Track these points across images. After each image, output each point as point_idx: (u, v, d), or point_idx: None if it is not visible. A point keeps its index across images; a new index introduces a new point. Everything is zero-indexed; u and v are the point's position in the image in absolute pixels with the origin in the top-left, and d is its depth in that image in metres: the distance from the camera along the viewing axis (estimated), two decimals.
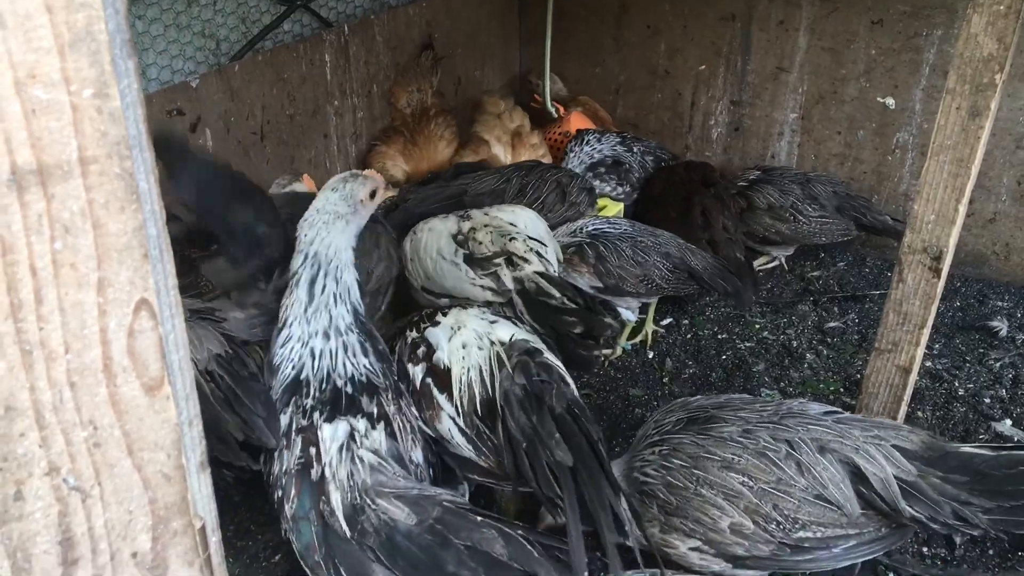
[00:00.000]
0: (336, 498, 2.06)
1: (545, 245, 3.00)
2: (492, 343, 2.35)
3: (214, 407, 2.17)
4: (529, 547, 1.95)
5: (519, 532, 1.98)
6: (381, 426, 2.22)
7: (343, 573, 2.00)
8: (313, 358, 2.27)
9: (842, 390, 3.34)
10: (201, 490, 1.15)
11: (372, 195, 2.46)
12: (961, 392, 3.30)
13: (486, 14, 4.72)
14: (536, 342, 2.41)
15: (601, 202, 3.84)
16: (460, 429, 2.28)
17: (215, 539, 1.20)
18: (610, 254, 3.32)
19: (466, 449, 2.28)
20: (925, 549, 2.65)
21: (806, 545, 2.19)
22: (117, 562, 1.05)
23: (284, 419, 2.21)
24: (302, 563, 2.07)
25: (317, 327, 2.29)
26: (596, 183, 4.05)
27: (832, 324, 3.74)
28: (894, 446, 2.20)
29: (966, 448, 2.19)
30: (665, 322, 3.78)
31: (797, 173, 4.01)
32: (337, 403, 2.22)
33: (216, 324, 2.43)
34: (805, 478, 2.16)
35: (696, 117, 4.52)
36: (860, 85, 4.01)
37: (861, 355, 3.53)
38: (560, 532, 2.16)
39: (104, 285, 0.93)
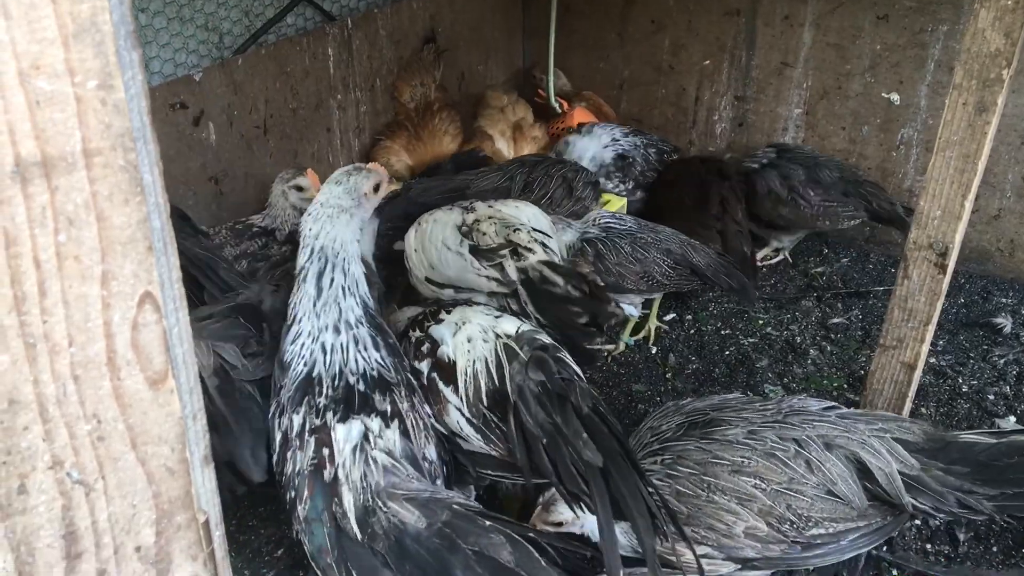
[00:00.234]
0: (349, 500, 2.04)
1: (550, 237, 2.99)
2: (498, 336, 2.34)
3: None
4: (537, 555, 1.93)
5: (529, 536, 1.97)
6: (395, 424, 2.20)
7: (355, 575, 1.98)
8: (324, 353, 2.26)
9: (846, 386, 3.33)
10: (205, 484, 1.14)
11: (376, 188, 2.46)
12: (965, 389, 3.29)
13: (489, 8, 4.71)
14: (545, 336, 2.40)
15: (604, 197, 3.83)
16: (467, 419, 2.27)
17: (219, 533, 1.19)
18: (609, 252, 3.31)
19: (475, 440, 2.27)
20: (929, 546, 2.65)
21: (818, 542, 2.18)
22: (121, 556, 1.05)
23: (297, 419, 2.18)
24: (313, 565, 2.06)
25: (327, 321, 2.28)
26: (601, 180, 4.05)
27: (836, 320, 3.73)
28: (897, 439, 2.19)
29: (966, 437, 2.18)
30: (668, 317, 3.78)
31: (808, 156, 3.97)
32: (350, 401, 2.20)
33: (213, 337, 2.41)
34: (816, 475, 2.15)
35: (700, 112, 4.51)
36: (865, 80, 4.00)
37: (865, 351, 3.52)
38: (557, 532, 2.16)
39: (108, 278, 0.92)
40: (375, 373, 2.28)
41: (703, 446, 2.23)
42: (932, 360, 3.44)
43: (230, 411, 2.23)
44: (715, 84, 4.41)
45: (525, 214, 3.01)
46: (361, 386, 2.24)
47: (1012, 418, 3.12)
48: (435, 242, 2.90)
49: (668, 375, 3.44)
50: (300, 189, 3.36)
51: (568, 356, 2.33)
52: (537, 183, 3.48)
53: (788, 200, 3.81)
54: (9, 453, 0.93)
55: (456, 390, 2.29)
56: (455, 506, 2.04)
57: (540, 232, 2.93)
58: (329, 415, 2.17)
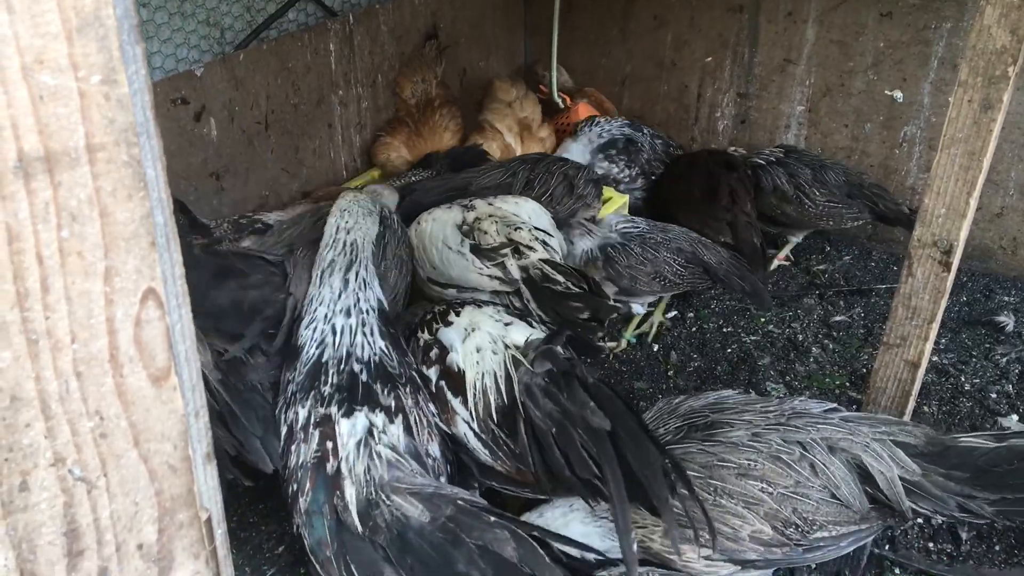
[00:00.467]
0: (351, 493, 2.04)
1: (551, 235, 2.98)
2: (507, 347, 2.33)
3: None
4: (541, 551, 1.93)
5: (533, 534, 1.96)
6: (399, 420, 2.21)
7: (354, 571, 1.98)
8: (334, 334, 2.31)
9: (848, 384, 3.33)
10: (207, 482, 1.14)
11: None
12: (967, 387, 3.29)
13: (491, 4, 4.70)
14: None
15: (606, 193, 3.82)
16: (475, 433, 2.27)
17: (221, 531, 1.19)
18: (618, 255, 3.31)
19: (482, 453, 2.26)
20: (931, 544, 2.64)
21: (821, 545, 2.18)
22: (123, 553, 1.04)
23: (303, 412, 2.19)
24: (312, 558, 2.05)
25: (344, 305, 2.34)
26: (605, 164, 4.06)
27: (838, 318, 3.72)
28: (898, 443, 2.19)
29: (966, 441, 2.17)
30: (670, 315, 3.77)
31: (814, 158, 3.97)
32: (354, 391, 2.22)
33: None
34: (820, 479, 2.14)
35: (702, 109, 4.50)
36: (868, 78, 3.98)
37: (867, 349, 3.52)
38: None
39: (111, 274, 0.92)
40: (378, 360, 2.30)
41: (707, 448, 2.21)
42: (934, 358, 3.43)
43: (236, 403, 2.23)
44: (717, 81, 4.40)
45: (525, 211, 3.01)
46: (364, 376, 2.26)
47: (1014, 416, 3.11)
48: (435, 242, 2.90)
49: (670, 373, 3.43)
50: None
51: (569, 349, 2.33)
52: (538, 180, 3.47)
53: (793, 198, 3.80)
54: (11, 450, 0.92)
55: (465, 403, 2.29)
56: (460, 501, 2.03)
57: (541, 230, 2.93)
58: (334, 408, 2.18)
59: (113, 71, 0.85)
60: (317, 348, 2.30)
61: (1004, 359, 3.43)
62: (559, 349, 2.22)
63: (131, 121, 0.88)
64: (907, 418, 2.27)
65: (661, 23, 4.44)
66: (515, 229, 2.85)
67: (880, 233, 4.16)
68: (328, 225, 2.44)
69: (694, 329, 3.67)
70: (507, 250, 2.78)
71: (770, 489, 2.13)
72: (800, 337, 3.61)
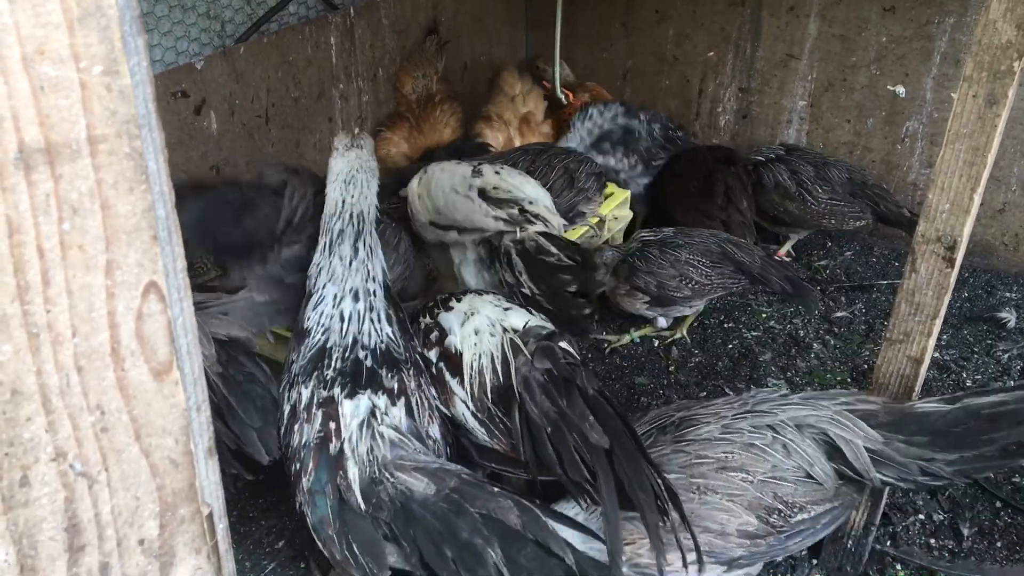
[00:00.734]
0: (354, 472, 2.05)
1: (554, 214, 3.02)
2: (505, 330, 2.34)
3: None
4: (544, 519, 1.94)
5: (536, 504, 1.97)
6: (401, 402, 2.23)
7: (355, 548, 1.98)
8: (342, 321, 2.31)
9: (849, 380, 3.32)
10: (209, 477, 1.13)
11: None
12: (969, 383, 3.28)
13: None
14: (550, 325, 2.41)
15: (608, 189, 3.81)
16: (472, 413, 2.28)
17: (222, 526, 1.18)
18: (639, 261, 3.29)
19: (479, 433, 2.28)
20: (933, 541, 2.64)
21: (802, 528, 2.18)
22: (124, 549, 1.04)
23: (306, 392, 2.21)
24: (315, 536, 2.06)
25: (354, 283, 2.34)
26: (601, 158, 3.99)
27: (839, 314, 3.72)
28: (859, 414, 2.19)
29: (922, 406, 2.17)
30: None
31: (816, 155, 3.96)
32: (358, 376, 2.23)
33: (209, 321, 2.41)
34: (793, 459, 2.15)
35: (704, 104, 4.49)
36: (870, 73, 3.97)
37: (868, 345, 3.51)
38: None
39: (112, 267, 0.91)
40: (384, 347, 2.31)
41: (682, 448, 2.21)
42: (936, 355, 3.43)
43: (234, 396, 2.23)
44: (719, 75, 4.38)
45: (528, 190, 3.02)
46: (369, 362, 2.27)
47: None
48: (442, 186, 2.94)
49: (671, 368, 3.42)
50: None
51: (572, 345, 2.33)
52: (539, 172, 3.46)
53: (796, 195, 3.79)
54: (11, 444, 0.92)
55: (462, 382, 2.31)
56: (464, 475, 2.04)
57: (546, 208, 2.96)
58: (337, 389, 2.19)
59: (115, 62, 0.84)
60: (323, 335, 2.30)
61: (1006, 355, 3.42)
62: (560, 349, 2.22)
63: (133, 113, 0.87)
64: (857, 390, 2.28)
65: (663, 17, 4.42)
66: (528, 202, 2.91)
67: (881, 229, 4.14)
68: (332, 192, 2.42)
69: (695, 324, 3.66)
70: (515, 208, 2.82)
71: (750, 477, 2.14)
72: (801, 333, 3.60)
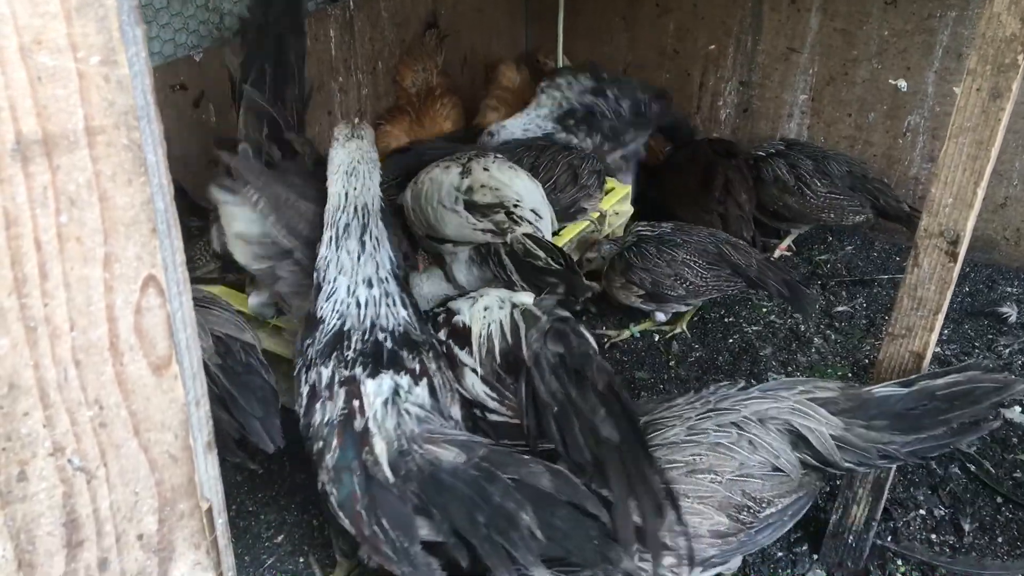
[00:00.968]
0: (381, 448, 2.04)
1: (541, 216, 3.01)
2: (514, 305, 2.37)
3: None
4: (576, 480, 1.93)
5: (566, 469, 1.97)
6: (424, 382, 2.22)
7: (385, 523, 1.97)
8: (358, 307, 2.31)
9: (850, 375, 3.31)
10: (208, 471, 1.12)
11: None
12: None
13: None
14: (563, 310, 2.42)
15: (608, 184, 3.79)
16: (481, 378, 2.30)
17: (221, 521, 1.18)
18: (635, 258, 3.28)
19: (490, 401, 2.29)
20: (934, 536, 2.64)
21: (771, 522, 2.18)
22: (123, 544, 1.03)
23: (326, 372, 2.20)
24: (340, 514, 2.03)
25: (366, 274, 2.33)
26: (563, 136, 3.88)
27: (840, 308, 3.71)
28: (819, 401, 2.19)
29: (880, 391, 2.18)
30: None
31: (816, 149, 3.95)
32: (379, 357, 2.22)
33: (208, 314, 2.40)
34: (760, 453, 2.14)
35: (704, 98, 4.48)
36: (872, 67, 3.96)
37: (869, 340, 3.50)
38: None
39: (111, 260, 0.90)
40: (403, 330, 2.31)
41: None
42: (937, 349, 3.41)
43: (235, 387, 2.23)
44: (720, 69, 4.37)
45: (517, 186, 3.02)
46: (389, 343, 2.27)
47: (1017, 408, 3.10)
48: (431, 201, 2.95)
49: (671, 363, 3.42)
50: None
51: (587, 330, 2.33)
52: (543, 167, 3.45)
53: (795, 189, 3.78)
54: (9, 439, 0.91)
55: (470, 352, 2.33)
56: (492, 445, 2.04)
57: (532, 211, 2.97)
58: (358, 369, 2.19)
59: (113, 52, 0.83)
60: (339, 319, 2.29)
61: (1007, 350, 3.41)
62: (575, 337, 2.22)
63: (131, 104, 0.86)
64: (816, 377, 2.28)
65: (664, 11, 4.41)
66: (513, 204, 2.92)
67: (883, 223, 4.13)
68: (334, 186, 2.41)
69: (695, 319, 3.65)
70: (500, 212, 2.83)
71: (719, 478, 2.13)
72: (802, 327, 3.59)
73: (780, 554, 2.58)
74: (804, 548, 2.59)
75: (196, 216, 2.98)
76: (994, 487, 2.78)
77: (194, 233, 3.05)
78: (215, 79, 3.26)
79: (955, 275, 2.12)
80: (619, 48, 4.63)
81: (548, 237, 2.97)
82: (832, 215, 3.79)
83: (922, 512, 2.71)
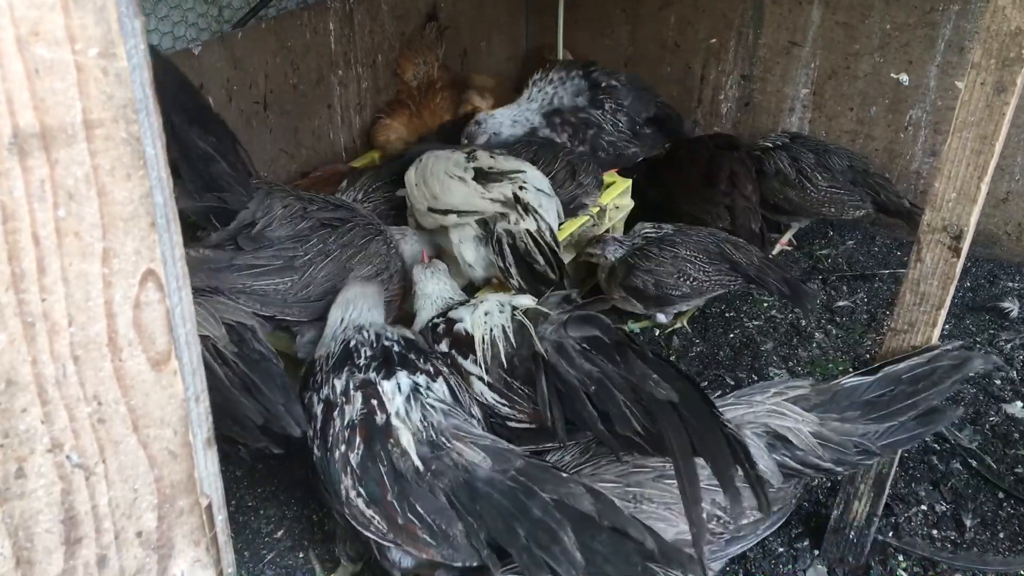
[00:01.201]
0: (407, 438, 2.04)
1: (549, 196, 3.02)
2: (515, 308, 2.38)
3: (229, 391, 2.14)
4: (617, 504, 1.90)
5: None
6: (441, 381, 2.24)
7: (419, 508, 1.96)
8: (359, 332, 2.36)
9: (851, 370, 3.30)
10: (208, 468, 1.11)
11: None
12: (971, 373, 3.26)
13: None
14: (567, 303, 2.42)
15: (609, 177, 3.78)
16: (489, 386, 2.30)
17: (221, 517, 1.17)
18: (639, 260, 3.26)
19: (501, 407, 2.29)
20: (935, 532, 2.63)
21: (742, 533, 2.15)
22: (122, 541, 1.02)
23: (339, 383, 2.20)
24: (368, 511, 2.01)
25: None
26: (547, 132, 3.79)
27: (841, 303, 3.70)
28: (792, 400, 2.18)
29: (848, 382, 2.18)
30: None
31: (818, 143, 3.94)
32: (390, 360, 2.24)
33: (216, 303, 2.39)
34: None
35: (706, 92, 4.46)
36: (874, 61, 3.95)
37: (870, 335, 3.50)
38: None
39: (109, 255, 0.89)
40: (410, 337, 2.38)
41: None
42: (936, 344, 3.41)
43: (255, 374, 2.22)
44: (721, 63, 4.35)
45: (522, 168, 3.03)
46: (397, 348, 2.29)
47: (1019, 403, 3.09)
48: (437, 174, 2.97)
49: (672, 358, 3.41)
50: None
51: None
52: (541, 162, 3.43)
53: (796, 182, 3.77)
54: (7, 436, 0.90)
55: (475, 360, 2.33)
56: (527, 457, 2.02)
57: (540, 191, 2.97)
58: (372, 373, 2.20)
59: (111, 44, 0.82)
60: (343, 343, 2.33)
61: (1008, 345, 3.41)
62: (604, 320, 2.21)
63: (130, 97, 0.85)
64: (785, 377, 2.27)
65: (665, 4, 4.39)
66: (519, 187, 2.92)
67: (883, 218, 4.12)
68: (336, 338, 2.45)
69: (696, 314, 3.65)
70: (507, 184, 2.88)
71: None
72: (803, 322, 3.58)
73: (781, 549, 2.58)
74: (805, 543, 2.58)
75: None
76: (996, 483, 2.78)
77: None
78: (214, 72, 3.24)
79: (958, 270, 2.11)
80: (620, 41, 4.62)
81: (554, 223, 2.99)
82: (832, 209, 3.78)
83: (924, 508, 2.71)
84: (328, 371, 2.26)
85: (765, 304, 3.70)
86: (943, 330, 3.47)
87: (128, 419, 0.97)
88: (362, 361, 2.25)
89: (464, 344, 2.37)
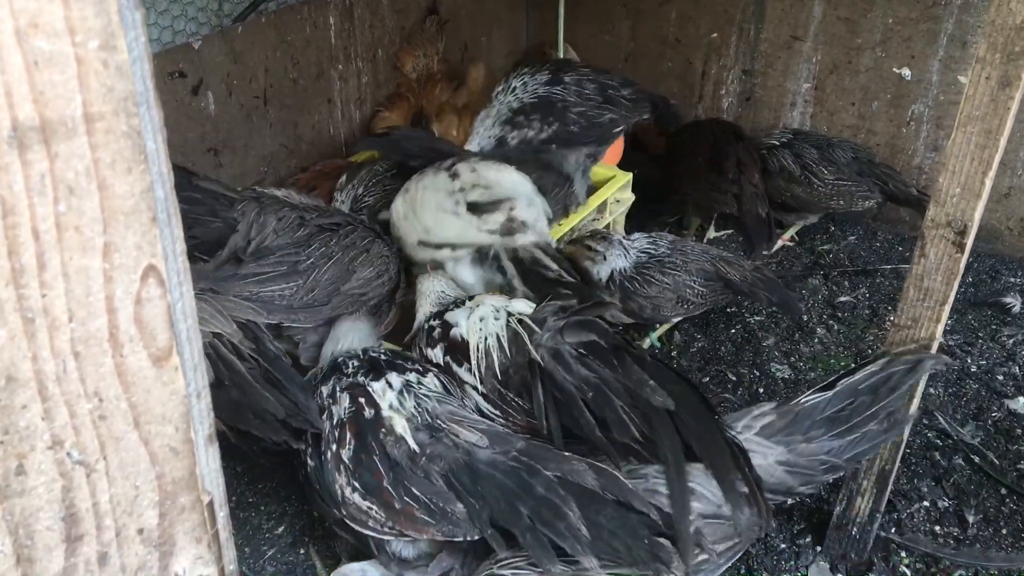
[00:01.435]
0: (402, 424, 2.05)
1: (532, 204, 3.00)
2: (510, 314, 2.34)
3: (251, 385, 2.14)
4: (621, 477, 1.90)
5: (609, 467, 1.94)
6: (431, 375, 2.25)
7: (415, 491, 1.96)
8: (347, 353, 2.38)
9: (853, 365, 3.29)
10: (209, 464, 1.11)
11: None
12: (974, 369, 3.26)
13: None
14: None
15: (609, 172, 3.76)
16: (483, 396, 2.28)
17: (223, 514, 1.16)
18: (641, 287, 3.21)
19: (496, 418, 2.27)
20: (938, 528, 2.63)
21: (703, 568, 2.08)
22: (123, 538, 1.01)
23: (326, 388, 2.22)
24: (364, 503, 2.01)
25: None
26: (515, 132, 3.50)
27: (843, 298, 3.69)
28: (757, 432, 2.15)
29: (808, 400, 2.17)
30: None
31: (820, 138, 3.93)
32: (377, 366, 2.25)
33: (224, 301, 2.39)
34: (701, 503, 2.03)
35: (707, 87, 4.45)
36: (876, 55, 3.93)
37: (872, 330, 3.49)
38: None
39: (110, 250, 0.88)
40: (397, 350, 2.41)
41: None
42: (940, 340, 3.40)
43: (275, 369, 2.23)
44: (722, 58, 4.34)
45: (508, 180, 2.99)
46: (384, 358, 2.31)
47: (1021, 399, 3.09)
48: (428, 207, 2.91)
49: (673, 353, 3.40)
50: None
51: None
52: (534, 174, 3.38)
53: (801, 179, 3.76)
54: (7, 432, 0.89)
55: (469, 369, 2.30)
56: (527, 439, 2.02)
57: (531, 204, 2.95)
58: (360, 377, 2.21)
59: (112, 36, 0.81)
60: (329, 363, 2.35)
61: (1011, 340, 3.40)
62: (602, 324, 2.20)
63: (131, 90, 0.84)
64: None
65: None
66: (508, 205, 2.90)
67: (886, 213, 4.12)
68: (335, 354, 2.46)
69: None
70: (500, 213, 2.84)
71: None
72: (805, 317, 3.57)
73: (783, 546, 2.57)
74: (807, 540, 2.58)
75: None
76: (998, 478, 2.77)
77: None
78: (214, 66, 3.23)
79: (962, 266, 2.11)
80: (621, 36, 4.60)
81: (547, 231, 2.95)
82: (841, 202, 3.76)
83: (926, 504, 2.70)
84: (317, 383, 2.28)
85: None
86: (946, 326, 3.47)
87: (129, 415, 0.96)
88: (350, 370, 2.27)
89: (459, 350, 2.35)
